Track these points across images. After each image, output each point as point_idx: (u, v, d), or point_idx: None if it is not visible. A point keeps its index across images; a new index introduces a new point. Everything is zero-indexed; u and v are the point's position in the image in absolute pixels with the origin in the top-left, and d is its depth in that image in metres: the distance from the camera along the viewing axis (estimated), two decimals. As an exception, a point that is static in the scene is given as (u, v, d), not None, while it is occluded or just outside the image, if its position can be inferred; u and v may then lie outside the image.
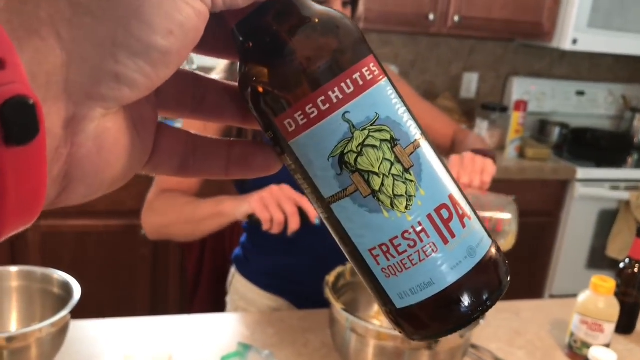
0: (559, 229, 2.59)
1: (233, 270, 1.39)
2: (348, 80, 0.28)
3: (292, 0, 0.28)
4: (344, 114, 0.28)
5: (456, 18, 2.46)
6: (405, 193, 0.28)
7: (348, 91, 0.28)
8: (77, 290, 0.99)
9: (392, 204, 0.28)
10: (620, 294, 1.23)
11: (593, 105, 3.07)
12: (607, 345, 1.13)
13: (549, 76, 3.07)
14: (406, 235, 0.28)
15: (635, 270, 1.24)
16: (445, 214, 0.29)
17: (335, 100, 0.28)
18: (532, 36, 2.68)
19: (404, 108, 0.30)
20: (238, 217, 1.07)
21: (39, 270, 1.05)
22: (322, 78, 0.28)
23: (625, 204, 2.54)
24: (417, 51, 2.85)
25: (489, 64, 2.97)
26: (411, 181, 0.29)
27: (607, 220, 2.59)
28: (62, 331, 0.95)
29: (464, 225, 0.30)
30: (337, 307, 0.97)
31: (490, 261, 0.31)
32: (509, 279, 0.33)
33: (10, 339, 0.86)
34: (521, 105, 2.52)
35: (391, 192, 0.28)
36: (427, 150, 0.30)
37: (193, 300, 2.22)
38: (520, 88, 2.95)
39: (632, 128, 3.03)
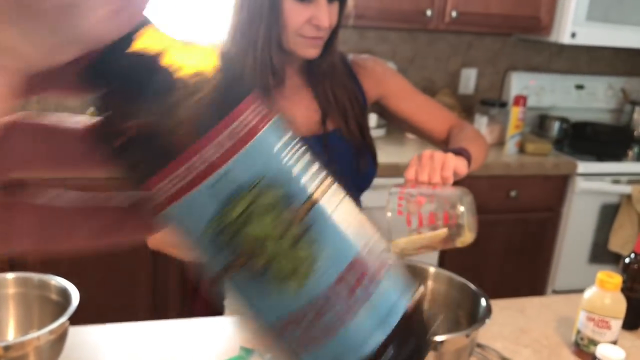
0: (560, 224, 2.57)
1: None
2: (221, 136, 0.23)
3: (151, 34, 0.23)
4: (219, 178, 0.23)
5: (454, 14, 2.44)
6: (302, 261, 0.24)
7: (223, 149, 0.23)
8: (75, 296, 0.98)
9: (287, 275, 0.24)
10: (626, 290, 1.21)
11: (592, 98, 3.05)
12: (614, 342, 1.11)
13: (548, 70, 3.05)
14: (307, 308, 0.25)
15: (641, 265, 1.23)
16: (350, 279, 0.25)
17: (206, 163, 0.23)
18: (530, 30, 2.66)
19: (298, 154, 0.26)
20: None
21: (36, 276, 1.03)
22: (187, 138, 0.23)
23: (627, 198, 2.52)
24: (415, 48, 2.83)
25: (487, 59, 2.96)
26: (308, 246, 0.24)
27: (608, 214, 2.57)
28: (60, 338, 0.93)
29: (372, 290, 0.25)
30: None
31: (406, 326, 0.26)
32: (429, 339, 0.28)
33: (7, 348, 0.84)
34: (520, 100, 2.50)
35: (285, 263, 0.24)
36: (328, 204, 0.26)
37: (195, 302, 2.20)
38: (519, 83, 2.93)
39: (632, 121, 3.01)
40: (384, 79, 1.32)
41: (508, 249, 2.55)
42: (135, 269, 2.14)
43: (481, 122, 2.63)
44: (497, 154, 2.51)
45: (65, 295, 1.00)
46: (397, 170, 2.26)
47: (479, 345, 1.12)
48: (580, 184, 2.49)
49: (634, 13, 2.61)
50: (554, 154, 2.59)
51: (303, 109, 1.23)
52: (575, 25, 2.55)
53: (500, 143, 2.62)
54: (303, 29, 1.11)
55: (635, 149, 2.90)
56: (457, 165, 1.04)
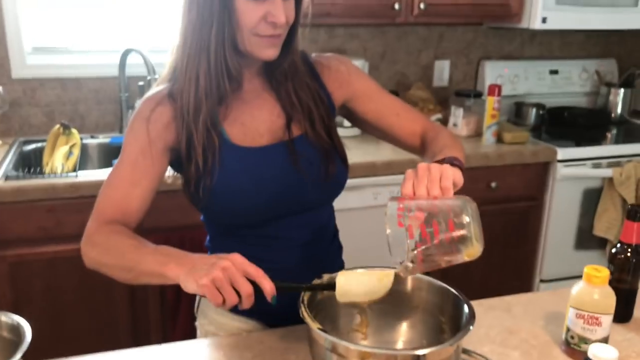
0: (544, 212, 2.53)
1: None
2: None
3: None
4: None
5: (422, 5, 2.38)
6: None
7: None
8: (28, 333, 0.91)
9: None
10: (614, 281, 1.16)
11: (567, 83, 3.02)
12: (606, 339, 1.06)
13: (521, 57, 3.01)
14: None
15: (628, 254, 1.17)
16: None
17: None
18: (501, 18, 2.62)
19: None
20: (184, 289, 0.93)
21: (-15, 314, 0.95)
22: None
23: (609, 181, 2.49)
24: (385, 42, 2.78)
25: (459, 50, 2.91)
26: None
27: (591, 199, 2.54)
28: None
29: None
30: (314, 327, 0.89)
31: None
32: None
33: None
34: (495, 89, 2.46)
35: None
36: None
37: (175, 323, 2.13)
38: (493, 72, 2.89)
39: (609, 103, 2.98)
40: (349, 78, 1.24)
41: (493, 241, 2.48)
42: (112, 287, 2.06)
43: (457, 114, 2.59)
44: (475, 145, 2.46)
45: (17, 332, 0.93)
46: (373, 170, 2.21)
47: (465, 351, 1.06)
48: (561, 170, 2.45)
49: (603, -6, 2.58)
50: (532, 141, 2.55)
51: (266, 114, 1.16)
52: (545, 10, 2.51)
53: (477, 134, 2.57)
54: (258, 28, 1.04)
55: (614, 131, 2.88)
56: (455, 175, 0.98)
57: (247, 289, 0.90)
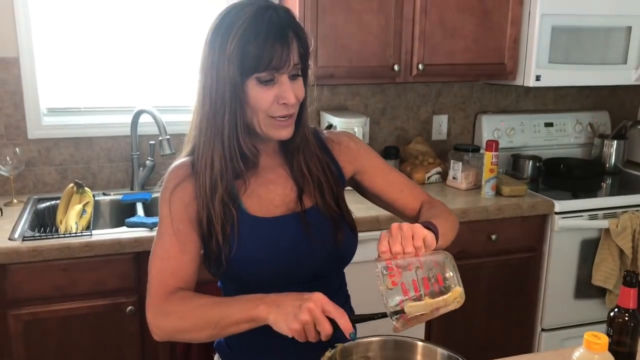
0: (543, 263, 2.60)
1: (216, 357, 1.35)
2: None
3: None
4: None
5: (420, 67, 2.49)
6: None
7: None
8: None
9: None
10: (613, 344, 1.22)
11: (562, 135, 3.12)
12: (607, 402, 1.11)
13: (517, 111, 3.12)
14: None
15: (626, 319, 1.24)
16: None
17: None
18: (496, 76, 2.73)
19: None
20: (274, 328, 1.01)
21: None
22: None
23: (606, 232, 2.56)
24: (385, 99, 2.88)
25: (456, 105, 3.02)
26: None
27: (589, 249, 2.60)
28: None
29: None
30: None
31: None
32: None
33: None
34: (492, 144, 2.55)
35: None
36: None
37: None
38: (489, 125, 2.99)
39: (603, 154, 3.08)
40: (358, 155, 1.34)
41: (494, 291, 2.56)
42: (123, 343, 2.11)
43: (456, 168, 2.67)
44: (474, 199, 2.54)
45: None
46: (377, 224, 2.28)
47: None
48: (559, 222, 2.53)
49: (591, 54, 2.70)
50: (530, 194, 2.63)
51: (280, 188, 1.24)
52: (539, 68, 2.63)
53: (476, 187, 2.65)
54: (271, 110, 1.12)
55: (608, 181, 2.97)
56: (426, 235, 1.06)
57: (327, 330, 0.99)
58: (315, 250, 1.21)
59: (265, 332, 1.03)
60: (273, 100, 1.11)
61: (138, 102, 2.53)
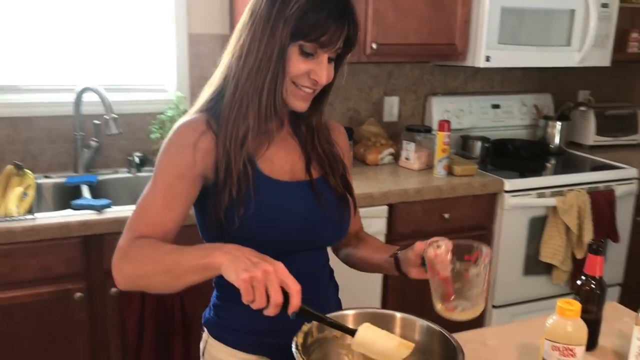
0: (493, 241, 2.65)
1: (205, 335, 1.30)
2: None
3: None
4: None
5: (374, 46, 2.48)
6: None
7: None
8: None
9: None
10: (581, 312, 1.24)
11: (509, 116, 3.19)
12: (580, 367, 1.13)
13: (465, 93, 3.16)
14: None
15: (593, 286, 1.26)
16: None
17: None
18: (447, 57, 2.75)
19: None
20: (225, 277, 0.96)
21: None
22: None
23: (553, 210, 2.63)
24: (338, 80, 2.85)
25: (407, 86, 3.03)
26: None
27: (537, 227, 2.67)
28: None
29: None
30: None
31: None
32: None
33: None
34: (444, 125, 2.57)
35: None
36: None
37: (138, 363, 2.09)
38: (439, 107, 3.02)
39: (547, 135, 3.16)
40: (345, 153, 1.35)
41: (446, 270, 2.58)
42: (71, 332, 2.01)
43: (409, 149, 2.68)
44: (427, 178, 2.56)
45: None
46: (371, 200, 2.24)
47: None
48: (508, 200, 2.58)
49: (537, 36, 2.75)
50: (480, 173, 2.67)
51: (290, 155, 1.24)
52: (489, 49, 2.66)
53: (428, 167, 2.67)
54: (300, 79, 1.13)
55: (553, 162, 3.05)
56: None
57: (278, 299, 0.93)
58: (326, 218, 1.23)
59: (257, 312, 0.97)
60: (306, 72, 1.12)
61: (81, 80, 2.40)
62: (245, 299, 0.93)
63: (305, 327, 1.03)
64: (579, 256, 2.66)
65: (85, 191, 2.23)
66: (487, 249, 1.12)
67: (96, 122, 2.41)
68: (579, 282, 1.29)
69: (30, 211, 2.02)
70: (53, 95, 2.43)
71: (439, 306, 1.11)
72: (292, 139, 1.26)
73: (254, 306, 0.94)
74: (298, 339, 1.00)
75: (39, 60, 2.42)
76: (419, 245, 1.16)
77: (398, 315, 1.11)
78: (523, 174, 2.70)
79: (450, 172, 2.62)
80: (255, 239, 1.13)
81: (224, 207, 1.13)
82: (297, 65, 1.10)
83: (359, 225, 1.45)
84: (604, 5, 2.85)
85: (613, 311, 1.47)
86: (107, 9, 2.47)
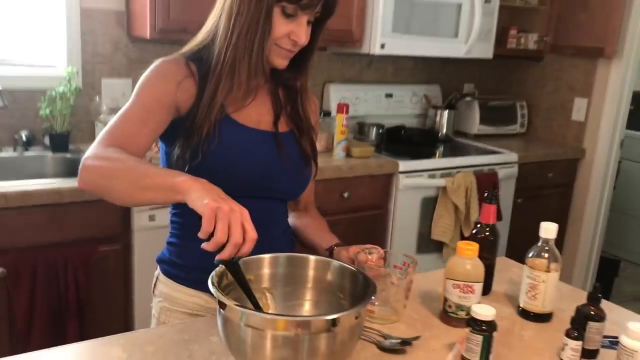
0: (389, 220, 2.75)
1: (157, 272, 1.32)
2: None
3: None
4: None
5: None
6: None
7: None
8: None
9: None
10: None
11: (401, 105, 3.33)
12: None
13: (360, 82, 3.26)
14: None
15: (487, 233, 1.35)
16: None
17: None
18: (344, 43, 2.83)
19: None
20: (188, 202, 0.97)
21: None
22: None
23: (443, 190, 2.78)
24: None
25: (306, 72, 3.07)
26: None
27: (429, 207, 2.81)
28: None
29: None
30: (230, 303, 0.91)
31: None
32: None
33: None
34: (343, 107, 2.64)
35: None
36: None
37: (27, 344, 1.96)
38: (336, 94, 3.10)
39: (436, 123, 3.34)
40: (316, 122, 1.42)
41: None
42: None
43: (308, 131, 2.73)
44: (327, 160, 2.61)
45: None
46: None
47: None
48: (403, 180, 2.69)
49: (428, 26, 2.91)
50: (376, 155, 2.77)
51: (261, 107, 1.29)
52: (383, 36, 2.77)
53: (327, 150, 2.73)
54: (281, 41, 1.19)
55: (441, 148, 3.22)
56: None
57: (237, 237, 0.94)
58: (285, 170, 1.29)
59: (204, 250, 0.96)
60: (286, 34, 1.18)
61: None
62: (205, 228, 0.93)
63: (221, 269, 1.02)
64: (467, 234, 2.82)
65: (-34, 168, 2.07)
66: (412, 261, 1.24)
67: (-24, 95, 2.24)
68: (474, 231, 1.37)
69: None
70: None
71: None
72: (266, 94, 1.31)
73: (212, 241, 0.93)
74: (214, 277, 0.99)
75: None
76: (353, 249, 1.26)
77: (312, 257, 1.13)
78: (416, 156, 2.83)
79: (348, 154, 2.69)
80: (215, 176, 1.13)
81: (191, 142, 1.19)
82: (280, 25, 1.17)
83: (311, 197, 1.49)
84: (487, 1, 3.06)
85: (503, 264, 1.58)
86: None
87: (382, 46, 2.79)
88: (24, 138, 2.35)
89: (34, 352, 1.04)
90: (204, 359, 1.04)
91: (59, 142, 2.37)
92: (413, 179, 2.73)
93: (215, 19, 1.23)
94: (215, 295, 0.94)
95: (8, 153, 2.34)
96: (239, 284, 1.00)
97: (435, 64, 3.52)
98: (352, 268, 1.11)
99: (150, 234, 2.12)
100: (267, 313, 0.99)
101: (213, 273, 0.99)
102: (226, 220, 0.93)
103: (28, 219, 1.94)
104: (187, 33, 1.32)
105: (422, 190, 2.78)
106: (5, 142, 2.38)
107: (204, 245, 0.95)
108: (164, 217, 2.07)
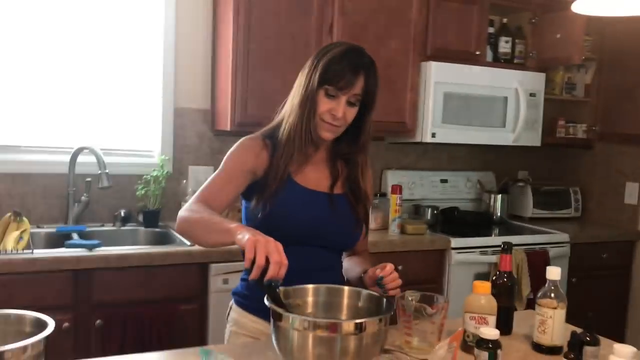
0: (443, 293, 2.93)
1: (231, 302, 1.67)
2: None
3: None
4: None
5: (336, 119, 2.88)
6: None
7: None
8: (50, 323, 1.13)
9: None
10: (498, 302, 1.53)
11: (455, 190, 3.58)
12: (492, 334, 1.41)
13: (416, 168, 3.56)
14: None
15: (505, 279, 1.57)
16: None
17: None
18: (399, 134, 3.16)
19: None
20: (235, 241, 1.29)
21: (12, 313, 1.17)
22: None
23: (494, 265, 2.95)
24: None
25: (366, 159, 3.41)
26: None
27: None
28: (39, 355, 1.07)
29: None
30: (281, 310, 1.19)
31: None
32: None
33: None
34: (397, 188, 2.94)
35: None
36: None
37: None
38: (393, 179, 3.40)
39: (490, 207, 3.55)
40: (370, 190, 1.72)
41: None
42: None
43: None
44: (382, 236, 2.88)
45: (40, 325, 1.15)
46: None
47: (387, 351, 1.37)
48: (455, 256, 2.90)
49: (476, 118, 3.21)
50: (429, 234, 3.01)
51: (320, 172, 1.62)
52: (434, 127, 3.09)
53: (383, 227, 3.00)
54: (324, 115, 1.51)
55: (496, 230, 3.41)
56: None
57: (277, 258, 1.21)
58: (335, 224, 1.59)
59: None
60: (328, 110, 1.50)
61: (76, 143, 2.72)
62: (247, 256, 1.22)
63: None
64: (520, 309, 2.95)
65: (76, 237, 2.48)
66: (445, 300, 1.47)
67: (88, 180, 2.70)
68: (494, 278, 1.59)
69: (27, 248, 2.26)
70: (50, 156, 2.73)
71: (400, 340, 1.44)
72: (324, 162, 1.62)
73: (255, 267, 1.21)
74: (269, 297, 1.27)
75: (38, 123, 2.74)
76: (371, 270, 1.51)
77: (346, 288, 1.40)
78: (468, 235, 3.04)
79: (402, 232, 2.95)
80: (279, 224, 1.49)
81: (263, 198, 1.52)
82: (323, 103, 1.50)
83: (365, 246, 1.77)
84: (532, 95, 3.35)
85: (527, 315, 1.76)
86: (103, 83, 2.84)
87: (433, 135, 3.10)
88: (122, 214, 2.77)
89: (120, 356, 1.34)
90: (260, 365, 1.30)
91: (151, 219, 2.77)
92: (465, 255, 2.93)
93: (287, 103, 1.60)
94: (269, 306, 1.22)
95: (109, 227, 2.76)
96: (278, 304, 1.24)
97: (489, 153, 3.78)
98: (377, 295, 1.36)
99: (224, 295, 2.42)
100: (309, 316, 1.25)
101: (267, 298, 1.26)
102: (263, 248, 1.22)
103: (123, 278, 2.30)
104: (262, 126, 1.69)
105: (474, 266, 2.96)
106: (107, 219, 2.81)
107: (250, 277, 1.23)
108: (236, 281, 2.38)
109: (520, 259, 2.98)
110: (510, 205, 3.65)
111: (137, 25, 2.89)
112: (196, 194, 1.54)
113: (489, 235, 3.27)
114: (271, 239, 1.25)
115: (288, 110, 1.56)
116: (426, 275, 2.90)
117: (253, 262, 1.21)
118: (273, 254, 1.22)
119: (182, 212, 1.48)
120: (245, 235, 1.25)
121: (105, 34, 2.83)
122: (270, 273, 1.21)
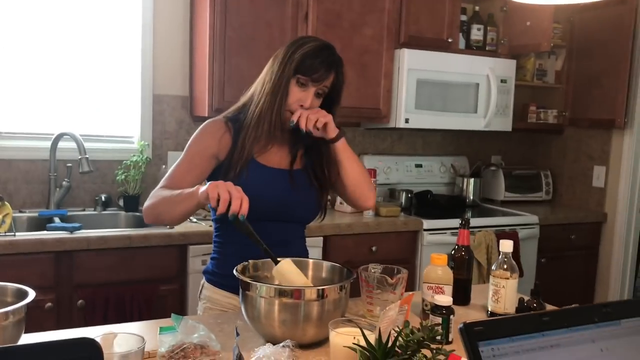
0: (415, 274, 3.04)
1: (202, 281, 1.75)
2: None
3: None
4: None
5: (311, 105, 2.96)
6: None
7: None
8: (31, 292, 1.21)
9: None
10: (455, 274, 1.63)
11: (430, 174, 3.68)
12: (448, 302, 1.51)
13: (392, 153, 3.66)
14: None
15: (463, 253, 1.67)
16: None
17: None
18: (373, 119, 3.25)
19: None
20: (199, 197, 1.40)
21: (-7, 284, 1.25)
22: None
23: (464, 246, 3.06)
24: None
25: (342, 145, 3.50)
26: None
27: (453, 263, 3.08)
28: (20, 321, 1.15)
29: None
30: (248, 280, 1.28)
31: None
32: None
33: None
34: (371, 172, 3.03)
35: None
36: None
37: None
38: (369, 164, 3.48)
39: (463, 190, 3.66)
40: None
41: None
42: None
43: (342, 195, 3.11)
44: (358, 218, 2.97)
45: (21, 295, 1.23)
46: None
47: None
48: (427, 237, 3.00)
49: (449, 103, 3.31)
50: (403, 216, 3.11)
51: (283, 151, 1.70)
52: (407, 113, 3.18)
53: (359, 211, 3.09)
54: (292, 106, 1.60)
55: (469, 213, 3.52)
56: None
57: (237, 194, 1.35)
58: (299, 199, 1.67)
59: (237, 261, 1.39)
60: (296, 100, 1.60)
61: (57, 129, 2.78)
62: (211, 195, 1.35)
63: (244, 263, 1.40)
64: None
65: (57, 221, 2.55)
66: (404, 272, 1.56)
67: (69, 165, 2.76)
68: (452, 252, 1.69)
69: (10, 231, 2.33)
70: (31, 142, 2.79)
71: (363, 310, 1.55)
72: (286, 142, 1.70)
73: (221, 203, 1.34)
74: (238, 268, 1.36)
75: (19, 110, 2.80)
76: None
77: (310, 260, 1.50)
78: (440, 216, 3.15)
79: (377, 214, 3.05)
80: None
81: (227, 179, 1.56)
82: (293, 93, 1.59)
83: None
84: (503, 81, 3.45)
85: (486, 288, 1.87)
86: (83, 70, 2.90)
87: (407, 120, 3.19)
88: (102, 199, 2.84)
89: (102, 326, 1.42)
90: (229, 330, 1.39)
91: (131, 203, 2.84)
92: (436, 236, 3.04)
93: (253, 87, 1.67)
94: (237, 277, 1.31)
95: (90, 212, 2.83)
96: (249, 235, 1.39)
97: (463, 138, 3.89)
98: (339, 265, 1.46)
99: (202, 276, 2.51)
100: (275, 285, 1.34)
101: (236, 269, 1.36)
102: (224, 186, 1.36)
103: (104, 260, 2.37)
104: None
105: (446, 247, 3.06)
106: (88, 204, 2.88)
107: (217, 212, 1.36)
108: (214, 261, 2.47)
109: (490, 240, 3.09)
110: (483, 189, 3.76)
111: (115, 13, 2.95)
112: (160, 182, 1.61)
113: (461, 215, 3.37)
114: (230, 182, 1.38)
115: (257, 95, 1.63)
116: (400, 256, 3.00)
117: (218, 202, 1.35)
118: (233, 192, 1.36)
119: (146, 203, 1.57)
120: (206, 186, 1.39)
121: (84, 20, 2.88)
122: (233, 207, 1.35)
